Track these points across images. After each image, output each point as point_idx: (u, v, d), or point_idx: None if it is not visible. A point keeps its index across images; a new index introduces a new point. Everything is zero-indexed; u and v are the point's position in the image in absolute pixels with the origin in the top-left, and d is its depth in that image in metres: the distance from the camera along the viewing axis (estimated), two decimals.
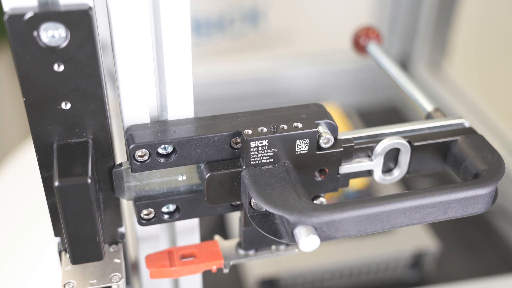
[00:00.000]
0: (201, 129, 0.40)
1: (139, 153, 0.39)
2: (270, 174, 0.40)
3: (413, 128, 0.45)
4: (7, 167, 0.93)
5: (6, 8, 0.33)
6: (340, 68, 1.15)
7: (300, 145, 0.40)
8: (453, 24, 1.09)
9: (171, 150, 0.40)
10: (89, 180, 0.36)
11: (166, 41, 0.38)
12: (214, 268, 0.45)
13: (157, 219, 0.43)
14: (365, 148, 0.43)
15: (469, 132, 0.44)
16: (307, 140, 0.40)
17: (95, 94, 0.37)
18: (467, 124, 0.46)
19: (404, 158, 0.44)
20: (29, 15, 0.33)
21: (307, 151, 0.41)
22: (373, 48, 0.58)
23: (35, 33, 0.34)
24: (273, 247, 0.46)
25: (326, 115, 0.42)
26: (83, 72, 0.36)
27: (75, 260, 0.39)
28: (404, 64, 1.18)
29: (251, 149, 0.39)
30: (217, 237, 0.47)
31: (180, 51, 0.39)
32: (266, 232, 0.40)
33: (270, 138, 0.39)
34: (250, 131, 0.39)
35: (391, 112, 1.19)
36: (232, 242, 0.46)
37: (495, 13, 1.10)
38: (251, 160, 0.40)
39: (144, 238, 0.47)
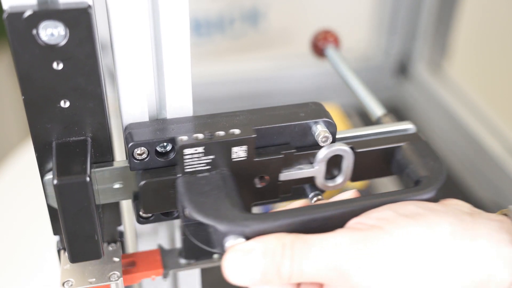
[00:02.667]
0: (200, 128, 0.40)
1: (138, 151, 0.39)
2: (205, 182, 0.39)
3: (360, 134, 0.44)
4: (7, 167, 0.93)
5: (5, 6, 0.33)
6: None
7: (237, 152, 0.39)
8: (453, 24, 1.09)
9: (170, 149, 0.40)
10: (88, 179, 0.36)
11: (165, 39, 0.38)
12: (153, 277, 0.44)
13: (155, 217, 0.43)
14: (307, 155, 0.42)
15: (415, 138, 0.44)
16: (245, 147, 0.39)
17: (94, 93, 0.37)
18: (413, 130, 0.45)
19: (347, 165, 0.43)
20: (28, 13, 0.33)
21: (245, 158, 0.40)
22: (330, 52, 0.58)
23: (34, 31, 0.34)
24: (215, 256, 0.45)
25: (324, 113, 0.42)
26: (82, 70, 0.36)
27: (73, 259, 0.39)
28: (404, 64, 1.18)
29: (186, 156, 0.38)
30: (160, 246, 0.46)
31: (179, 49, 0.39)
32: (199, 242, 0.39)
33: (205, 145, 0.38)
34: (185, 138, 0.38)
35: (391, 112, 1.19)
36: (175, 251, 0.46)
37: (495, 13, 1.10)
38: (186, 167, 0.39)
39: (143, 235, 0.47)
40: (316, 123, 0.41)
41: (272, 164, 0.41)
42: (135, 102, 0.40)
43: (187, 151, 0.38)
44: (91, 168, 0.37)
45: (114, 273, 0.42)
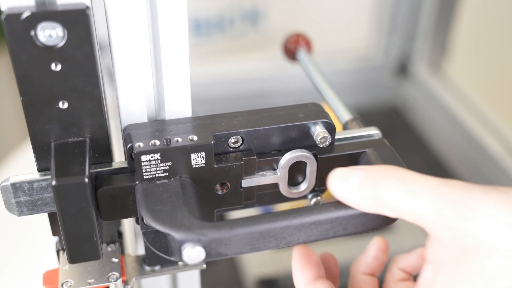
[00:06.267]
0: (199, 129, 0.40)
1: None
2: (163, 189, 0.38)
3: None
4: (7, 167, 0.93)
5: (3, 7, 0.33)
6: (340, 68, 1.15)
7: (195, 158, 0.39)
8: (453, 24, 1.09)
9: None
10: (86, 180, 0.36)
11: (164, 40, 0.38)
12: None
13: None
14: (270, 161, 0.42)
15: (380, 144, 0.43)
16: (203, 154, 0.39)
17: (93, 94, 0.37)
18: (379, 136, 0.44)
19: (311, 171, 0.42)
20: (26, 14, 0.33)
21: (204, 165, 0.39)
22: (302, 55, 0.57)
23: (32, 33, 0.34)
24: (180, 262, 0.45)
25: (323, 114, 0.42)
26: (80, 71, 0.36)
27: (72, 259, 0.39)
28: (404, 64, 1.18)
29: (143, 163, 0.38)
30: (126, 253, 0.46)
31: (178, 50, 0.39)
32: (157, 250, 0.39)
33: (162, 152, 0.38)
34: (141, 144, 0.38)
35: (391, 112, 1.19)
36: (139, 258, 0.45)
37: (495, 13, 1.10)
38: (145, 174, 0.38)
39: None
40: (315, 124, 0.41)
41: (232, 171, 0.40)
42: (134, 103, 0.40)
43: (144, 157, 0.38)
44: (89, 169, 0.37)
45: (113, 274, 0.43)
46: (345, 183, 0.37)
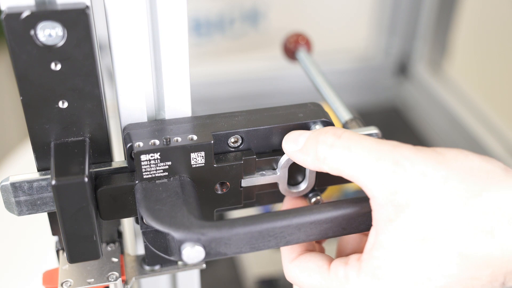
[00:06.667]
0: (198, 128, 0.40)
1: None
2: (163, 189, 0.38)
3: None
4: (7, 167, 0.93)
5: (3, 7, 0.33)
6: (340, 68, 1.15)
7: (195, 158, 0.39)
8: (453, 24, 1.09)
9: None
10: (86, 179, 0.36)
11: (164, 40, 0.38)
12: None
13: None
14: (269, 161, 0.42)
15: None
16: (203, 153, 0.39)
17: (92, 93, 0.37)
18: (378, 136, 0.44)
19: (311, 171, 0.42)
20: (26, 14, 0.33)
21: (203, 164, 0.39)
22: (302, 55, 0.57)
23: (32, 32, 0.34)
24: (180, 262, 0.45)
25: (323, 114, 0.42)
26: (80, 71, 0.36)
27: (72, 259, 0.39)
28: (404, 64, 1.18)
29: (143, 163, 0.38)
30: (126, 252, 0.46)
31: (177, 49, 0.39)
32: (157, 249, 0.39)
33: (162, 151, 0.38)
34: (141, 144, 0.38)
35: (391, 112, 1.19)
36: (139, 257, 0.45)
37: (495, 13, 1.10)
38: (144, 174, 0.38)
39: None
40: (314, 123, 0.41)
41: (232, 170, 0.40)
42: (134, 103, 0.40)
43: (143, 157, 0.38)
44: (89, 168, 0.37)
45: (112, 274, 0.42)
46: (294, 142, 0.39)
